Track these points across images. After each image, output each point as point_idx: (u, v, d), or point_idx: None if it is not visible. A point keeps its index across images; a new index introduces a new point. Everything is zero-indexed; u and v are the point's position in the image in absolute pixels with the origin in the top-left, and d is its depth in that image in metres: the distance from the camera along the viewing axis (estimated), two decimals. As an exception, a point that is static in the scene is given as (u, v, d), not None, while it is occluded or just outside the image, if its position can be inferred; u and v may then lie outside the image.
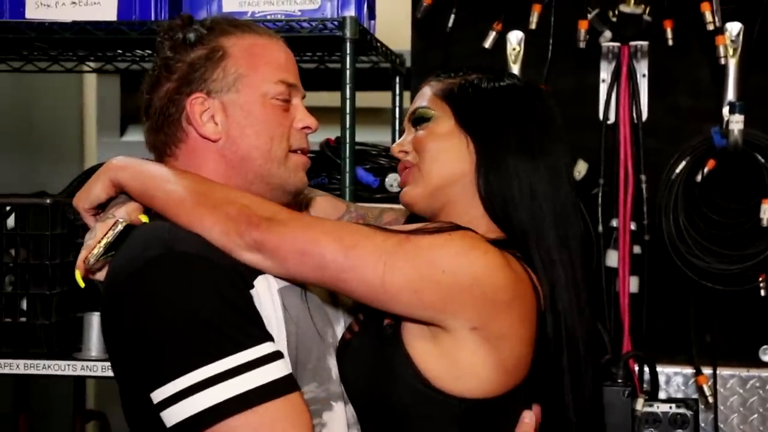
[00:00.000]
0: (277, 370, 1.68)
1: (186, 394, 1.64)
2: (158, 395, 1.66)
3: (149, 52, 3.36)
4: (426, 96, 1.99)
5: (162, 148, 1.92)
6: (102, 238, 1.81)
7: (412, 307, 1.74)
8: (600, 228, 3.15)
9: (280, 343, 1.75)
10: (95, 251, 1.80)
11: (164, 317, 1.68)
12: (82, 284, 1.85)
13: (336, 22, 2.73)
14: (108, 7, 2.87)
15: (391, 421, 1.82)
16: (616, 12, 3.12)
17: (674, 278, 3.15)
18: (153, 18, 2.85)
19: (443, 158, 1.92)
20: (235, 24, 1.94)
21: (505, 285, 1.74)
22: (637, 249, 3.16)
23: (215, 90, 1.87)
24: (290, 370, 1.72)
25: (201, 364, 1.64)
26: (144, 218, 1.84)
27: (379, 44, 3.13)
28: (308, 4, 2.79)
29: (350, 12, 2.78)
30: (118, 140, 4.97)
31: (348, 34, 2.70)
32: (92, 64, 3.74)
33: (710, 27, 3.08)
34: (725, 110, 3.07)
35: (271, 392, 1.66)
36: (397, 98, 3.53)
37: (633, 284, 3.15)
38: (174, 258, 1.72)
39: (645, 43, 3.17)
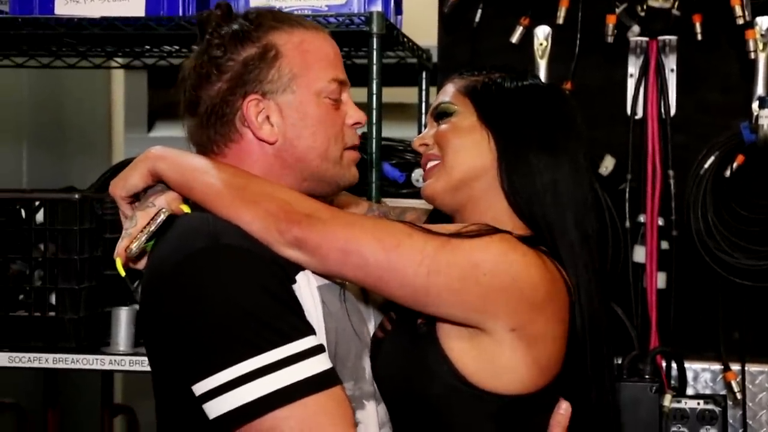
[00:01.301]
0: (321, 363, 1.70)
1: (231, 386, 1.65)
2: (202, 387, 1.68)
3: (177, 47, 3.40)
4: (449, 92, 2.03)
5: (209, 146, 1.92)
6: (144, 227, 1.82)
7: (453, 309, 1.78)
8: (627, 223, 3.15)
9: (320, 338, 1.76)
10: (138, 240, 1.82)
11: (210, 308, 1.69)
12: (122, 272, 1.86)
13: (363, 18, 2.75)
14: (136, 3, 2.90)
15: (425, 418, 1.85)
16: (645, 6, 3.11)
17: (702, 274, 3.14)
18: (181, 14, 2.88)
19: (465, 153, 1.95)
20: (281, 18, 1.93)
21: (543, 285, 1.78)
22: (664, 245, 3.17)
23: (270, 91, 1.87)
24: (332, 365, 1.73)
25: (247, 357, 1.65)
26: (186, 208, 1.85)
27: (405, 39, 3.14)
28: (335, -1, 2.80)
29: (377, 7, 2.81)
30: (145, 136, 4.99)
31: (375, 29, 2.72)
32: (120, 60, 3.77)
33: (740, 21, 3.07)
34: (755, 105, 3.05)
35: (316, 385, 1.67)
36: (424, 93, 3.54)
37: (660, 280, 3.15)
38: (219, 250, 1.73)
39: (673, 38, 3.18)
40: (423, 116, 3.50)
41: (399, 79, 3.60)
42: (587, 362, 1.89)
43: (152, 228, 1.81)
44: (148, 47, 3.46)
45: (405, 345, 1.88)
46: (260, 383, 1.65)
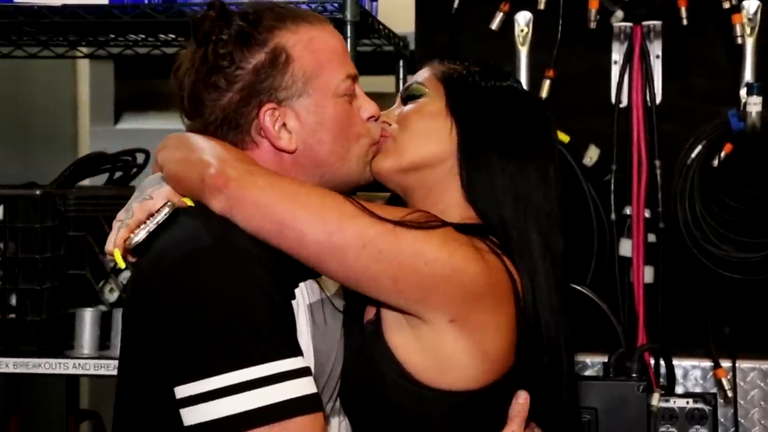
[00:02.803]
0: (309, 386, 1.70)
1: (215, 396, 1.64)
2: (185, 390, 1.66)
3: (143, 36, 3.38)
4: (423, 75, 2.05)
5: None
6: (147, 219, 1.82)
7: (392, 296, 1.79)
8: (613, 216, 3.16)
9: (308, 360, 1.77)
10: (140, 232, 1.81)
11: (208, 309, 1.68)
12: (122, 264, 1.84)
13: (336, 4, 2.72)
14: None
15: (383, 424, 1.87)
16: None
17: (691, 268, 3.13)
18: (147, 0, 2.85)
19: (422, 137, 1.97)
20: (282, 15, 1.90)
21: (482, 276, 1.80)
22: (651, 237, 3.17)
23: (286, 98, 1.86)
24: (317, 390, 1.72)
25: (237, 366, 1.64)
26: (189, 201, 1.84)
27: (381, 27, 3.13)
28: (308, -16, 2.77)
29: None
30: (112, 128, 4.96)
31: (349, 16, 2.69)
32: (84, 50, 3.75)
33: (726, 5, 3.07)
34: (743, 92, 3.06)
35: (299, 409, 1.66)
36: (401, 83, 3.52)
37: (648, 274, 3.15)
38: (223, 250, 1.72)
39: (658, 23, 3.17)
40: None
41: (375, 68, 3.58)
42: (543, 368, 1.92)
43: (158, 219, 1.81)
44: (112, 36, 3.44)
45: (355, 349, 1.89)
46: (244, 397, 1.64)
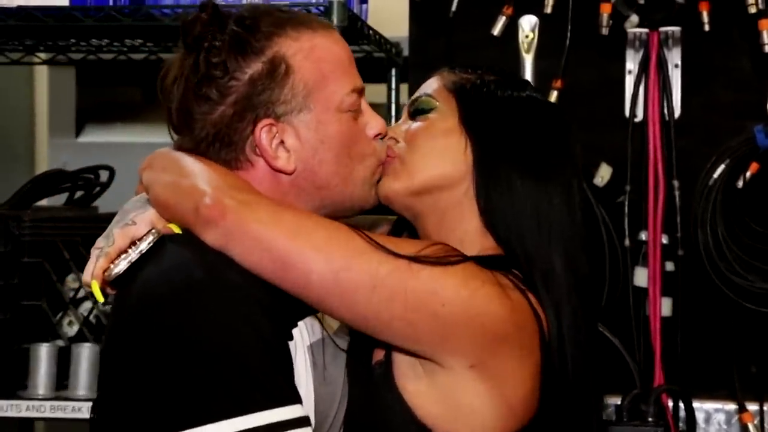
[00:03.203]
0: None
1: None
2: None
3: (107, 41, 3.35)
4: (433, 85, 1.99)
5: None
6: (129, 247, 1.77)
7: (406, 341, 1.76)
8: (627, 242, 3.09)
9: (308, 407, 1.75)
10: (121, 262, 1.76)
11: (196, 353, 1.65)
12: (101, 298, 1.80)
13: (321, 8, 2.69)
14: None
15: None
16: None
17: (713, 299, 3.07)
18: (111, 3, 2.82)
19: (435, 156, 1.92)
20: (281, 20, 1.84)
21: (506, 317, 1.76)
22: (669, 266, 3.10)
23: (284, 113, 1.81)
24: None
25: (229, 415, 1.61)
26: (176, 228, 1.79)
27: (371, 32, 3.11)
28: (291, -15, 2.76)
29: None
30: (73, 141, 4.97)
31: (335, 21, 2.65)
32: (42, 55, 3.73)
33: (752, 10, 2.99)
34: None
35: None
36: (393, 92, 3.52)
37: (665, 307, 3.09)
38: (214, 285, 1.70)
39: (677, 29, 3.11)
40: (393, 117, 3.48)
41: (366, 76, 3.54)
42: (571, 414, 1.88)
43: (141, 248, 1.77)
44: (74, 41, 3.40)
45: (361, 394, 1.87)
46: None
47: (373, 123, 1.90)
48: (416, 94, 2.00)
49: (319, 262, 1.70)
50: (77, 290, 2.92)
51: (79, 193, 3.42)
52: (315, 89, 1.81)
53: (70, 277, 2.94)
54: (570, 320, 1.85)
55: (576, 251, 1.89)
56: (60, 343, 2.90)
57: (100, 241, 1.83)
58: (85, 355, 2.80)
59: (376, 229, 2.19)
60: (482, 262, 1.81)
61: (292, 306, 1.74)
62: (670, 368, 3.06)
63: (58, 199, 3.53)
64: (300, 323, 1.78)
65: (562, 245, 1.88)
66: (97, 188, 3.42)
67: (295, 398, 1.68)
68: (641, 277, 3.08)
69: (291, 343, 1.74)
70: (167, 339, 1.67)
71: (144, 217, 1.81)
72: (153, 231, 1.77)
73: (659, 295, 3.07)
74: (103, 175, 3.43)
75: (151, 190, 1.83)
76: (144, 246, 1.75)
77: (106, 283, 1.78)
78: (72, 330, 2.94)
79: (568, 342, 1.85)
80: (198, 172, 1.77)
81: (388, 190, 1.92)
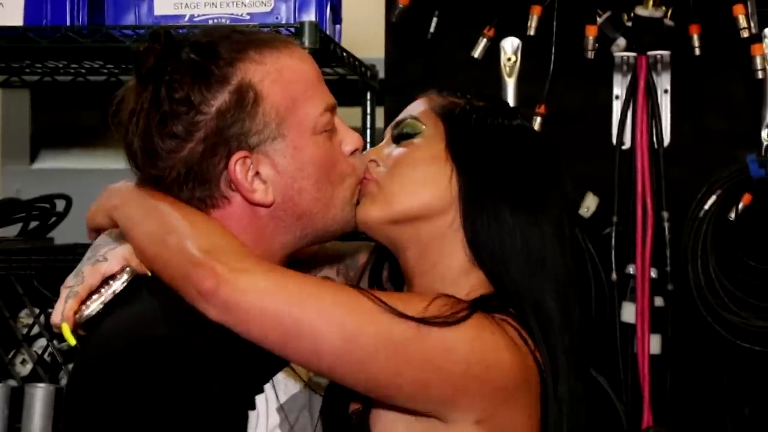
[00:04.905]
0: None
1: None
2: None
3: (65, 63, 3.32)
4: (419, 108, 1.99)
5: None
6: (100, 287, 1.78)
7: (416, 401, 1.75)
8: (614, 276, 3.08)
9: None
10: (93, 304, 1.77)
11: (146, 418, 1.64)
12: (73, 341, 1.78)
13: (292, 29, 2.66)
14: (13, 10, 2.81)
15: None
16: (632, 15, 3.03)
17: (704, 337, 3.08)
18: (69, 23, 2.79)
19: (417, 184, 1.91)
20: (241, 43, 1.81)
21: (515, 370, 1.78)
22: (658, 301, 3.09)
23: (257, 143, 1.79)
24: None
25: None
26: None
27: (345, 54, 3.08)
28: (259, 6, 2.74)
29: (309, 16, 2.73)
30: (27, 167, 4.97)
31: (307, 43, 2.63)
32: None
33: (744, 34, 2.99)
34: (764, 133, 3.04)
35: None
36: (368, 116, 3.50)
37: (654, 344, 3.07)
38: (176, 347, 1.68)
39: (666, 53, 3.12)
40: (368, 142, 3.45)
41: (340, 99, 3.57)
42: None
43: (114, 288, 1.77)
44: (28, 62, 3.36)
45: None
46: None
47: (348, 139, 1.89)
48: (401, 116, 2.00)
49: (330, 331, 1.68)
50: (31, 327, 2.90)
51: (33, 224, 3.40)
52: (287, 115, 1.79)
53: (24, 313, 2.92)
54: (564, 363, 1.85)
55: (568, 292, 1.89)
56: (12, 383, 2.87)
57: (69, 280, 1.81)
58: (39, 395, 2.75)
59: (359, 256, 2.21)
60: (484, 307, 1.80)
61: (263, 364, 1.73)
62: (659, 409, 3.05)
63: (11, 230, 3.49)
64: (267, 385, 1.77)
65: (555, 283, 1.87)
66: (53, 218, 3.40)
67: None
68: (629, 312, 3.08)
69: (252, 413, 1.74)
70: (120, 396, 1.66)
71: (116, 252, 1.79)
72: (127, 269, 1.76)
73: (648, 331, 3.05)
74: (60, 205, 3.41)
75: (128, 234, 1.79)
76: (118, 286, 1.75)
77: (78, 325, 1.77)
78: (25, 369, 2.93)
79: (560, 390, 1.84)
80: (181, 227, 1.74)
81: (365, 215, 1.91)
